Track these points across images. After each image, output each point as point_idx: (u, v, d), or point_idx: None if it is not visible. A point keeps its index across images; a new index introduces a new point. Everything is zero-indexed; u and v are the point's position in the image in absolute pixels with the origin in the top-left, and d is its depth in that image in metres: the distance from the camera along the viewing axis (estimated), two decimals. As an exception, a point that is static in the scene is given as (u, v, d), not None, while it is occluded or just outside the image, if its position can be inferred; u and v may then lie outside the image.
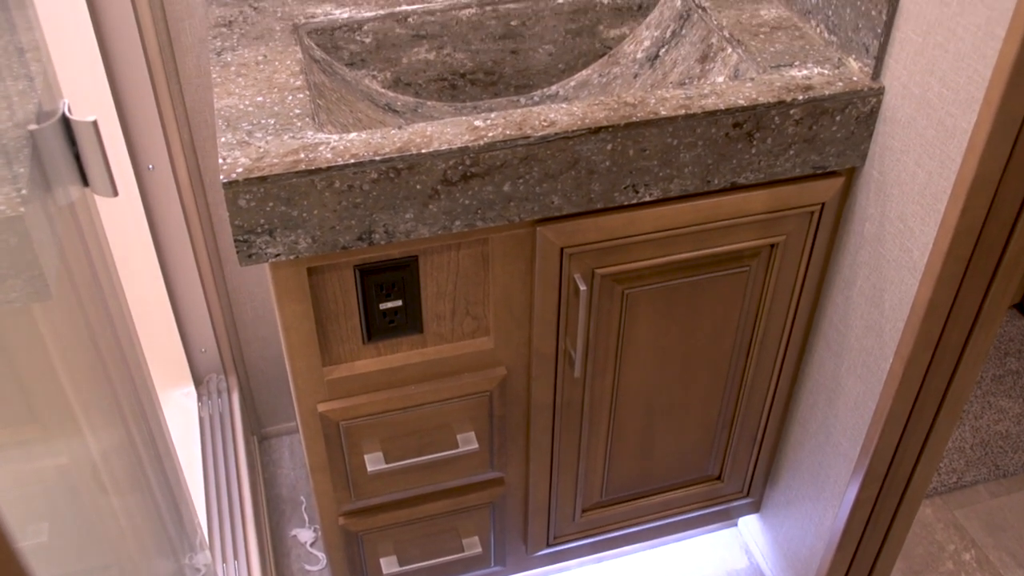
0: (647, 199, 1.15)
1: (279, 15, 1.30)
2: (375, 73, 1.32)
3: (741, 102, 1.11)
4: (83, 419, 0.91)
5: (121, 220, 1.52)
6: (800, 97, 1.13)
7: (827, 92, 1.14)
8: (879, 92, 1.16)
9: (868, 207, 1.23)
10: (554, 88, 1.39)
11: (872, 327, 1.26)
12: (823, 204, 1.24)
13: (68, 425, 0.89)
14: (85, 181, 0.85)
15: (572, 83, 1.39)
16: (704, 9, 1.31)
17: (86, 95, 1.37)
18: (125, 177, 1.48)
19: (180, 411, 1.73)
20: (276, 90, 1.14)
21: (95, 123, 0.80)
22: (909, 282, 1.18)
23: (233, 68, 1.19)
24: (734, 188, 1.20)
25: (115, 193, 0.83)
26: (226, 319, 1.71)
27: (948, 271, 1.11)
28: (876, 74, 1.16)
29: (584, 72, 1.39)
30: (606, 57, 1.39)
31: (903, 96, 1.13)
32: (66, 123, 0.81)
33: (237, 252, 1.05)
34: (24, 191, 0.77)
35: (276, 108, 1.11)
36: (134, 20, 1.36)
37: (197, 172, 1.53)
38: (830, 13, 1.22)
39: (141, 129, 1.45)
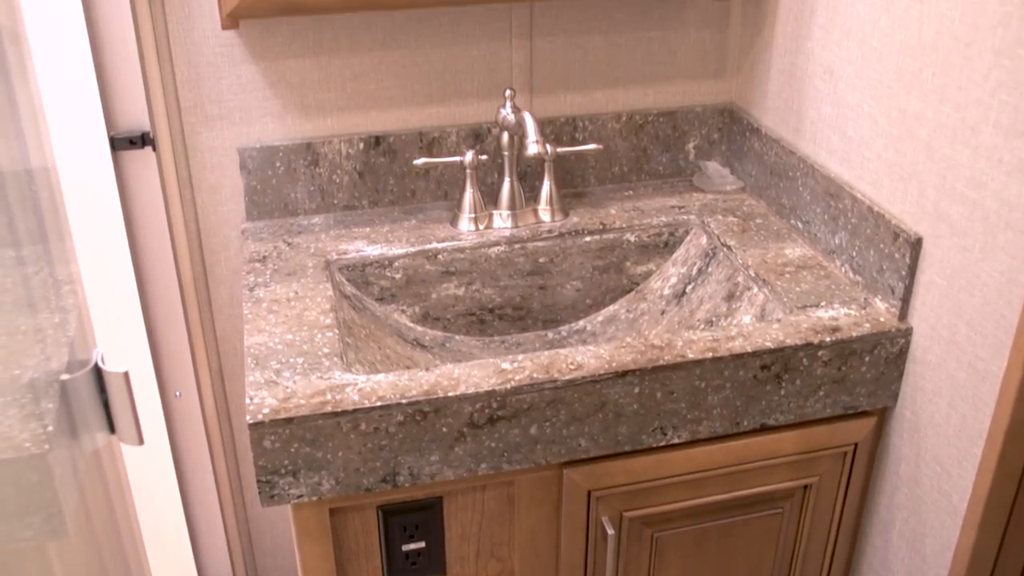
0: (676, 441, 1.13)
1: (312, 251, 1.33)
2: (404, 308, 1.34)
3: (768, 344, 1.11)
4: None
5: (144, 445, 1.51)
6: (828, 339, 1.13)
7: (855, 333, 1.14)
8: (907, 333, 1.15)
9: (903, 448, 1.20)
10: (582, 323, 1.40)
11: (914, 574, 1.21)
12: (856, 444, 1.22)
13: None
14: (112, 428, 0.85)
15: (600, 318, 1.40)
16: (729, 247, 1.33)
17: (119, 321, 1.39)
18: (151, 402, 1.48)
19: (192, 645, 1.67)
20: (306, 328, 1.15)
21: (126, 374, 0.80)
22: (950, 527, 1.14)
23: (265, 304, 1.20)
24: (764, 429, 1.18)
25: (141, 442, 0.83)
26: (244, 548, 1.67)
27: (990, 518, 1.07)
28: (903, 315, 1.16)
29: (612, 307, 1.41)
30: (633, 293, 1.41)
31: (931, 338, 1.12)
32: (97, 372, 0.82)
33: (259, 492, 1.03)
34: (50, 427, 0.77)
35: (305, 347, 1.11)
36: (171, 253, 1.39)
37: (224, 400, 1.54)
38: (854, 254, 1.23)
39: (171, 356, 1.47)
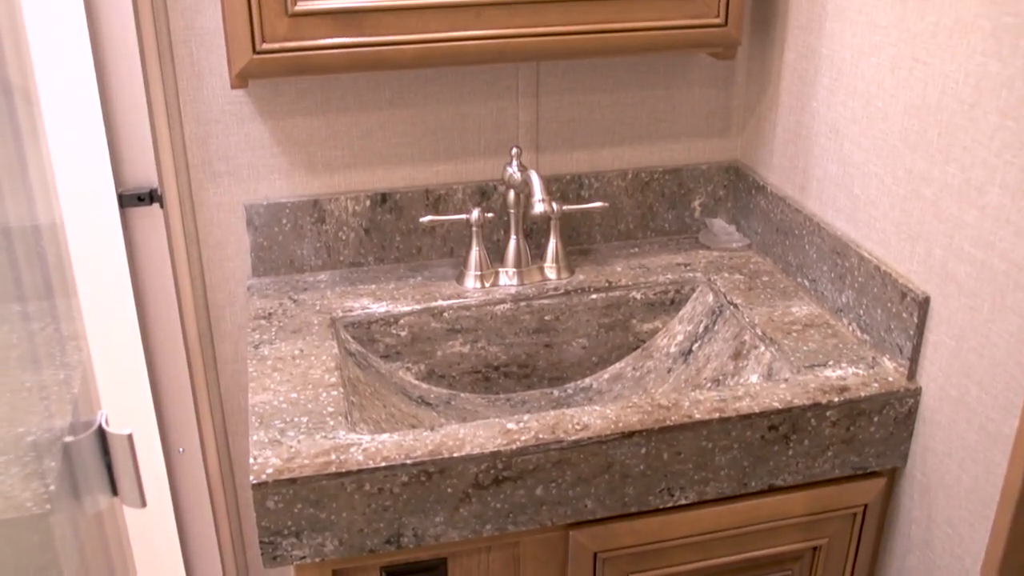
0: (683, 502, 1.12)
1: (318, 308, 1.33)
2: (409, 365, 1.34)
3: (776, 404, 1.10)
4: None
5: (149, 501, 1.50)
6: (836, 399, 1.12)
7: (863, 393, 1.13)
8: (916, 393, 1.15)
9: (913, 509, 1.19)
10: (588, 381, 1.40)
11: (925, 638, 1.19)
12: (866, 506, 1.20)
13: None
14: (114, 490, 0.84)
15: (606, 376, 1.40)
16: (736, 305, 1.33)
17: (124, 376, 1.39)
18: (154, 458, 1.47)
19: None
20: (311, 386, 1.15)
21: (130, 436, 0.80)
22: (962, 592, 1.12)
23: (270, 363, 1.20)
24: (772, 490, 1.17)
25: (143, 504, 0.82)
26: (246, 607, 1.65)
27: (1003, 583, 1.06)
28: (912, 374, 1.16)
29: (618, 365, 1.40)
30: (639, 350, 1.40)
31: (941, 398, 1.12)
32: (101, 433, 0.81)
33: (262, 553, 1.02)
34: (52, 487, 0.76)
35: (309, 405, 1.11)
36: (176, 308, 1.39)
37: (227, 457, 1.53)
38: (861, 312, 1.23)
39: (175, 411, 1.46)
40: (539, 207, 1.22)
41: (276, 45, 1.20)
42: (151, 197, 1.34)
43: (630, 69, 1.45)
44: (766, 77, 1.44)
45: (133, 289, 1.36)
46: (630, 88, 1.46)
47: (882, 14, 1.15)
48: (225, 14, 1.18)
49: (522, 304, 1.37)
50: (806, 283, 1.36)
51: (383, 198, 1.42)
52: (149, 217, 1.35)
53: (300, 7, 1.19)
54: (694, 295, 1.41)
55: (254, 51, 1.19)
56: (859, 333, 1.24)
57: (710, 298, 1.39)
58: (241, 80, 1.22)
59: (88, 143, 1.28)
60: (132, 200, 1.34)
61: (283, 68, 1.21)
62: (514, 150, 1.35)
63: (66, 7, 1.20)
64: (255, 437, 1.06)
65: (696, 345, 1.36)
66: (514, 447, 1.03)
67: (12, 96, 1.32)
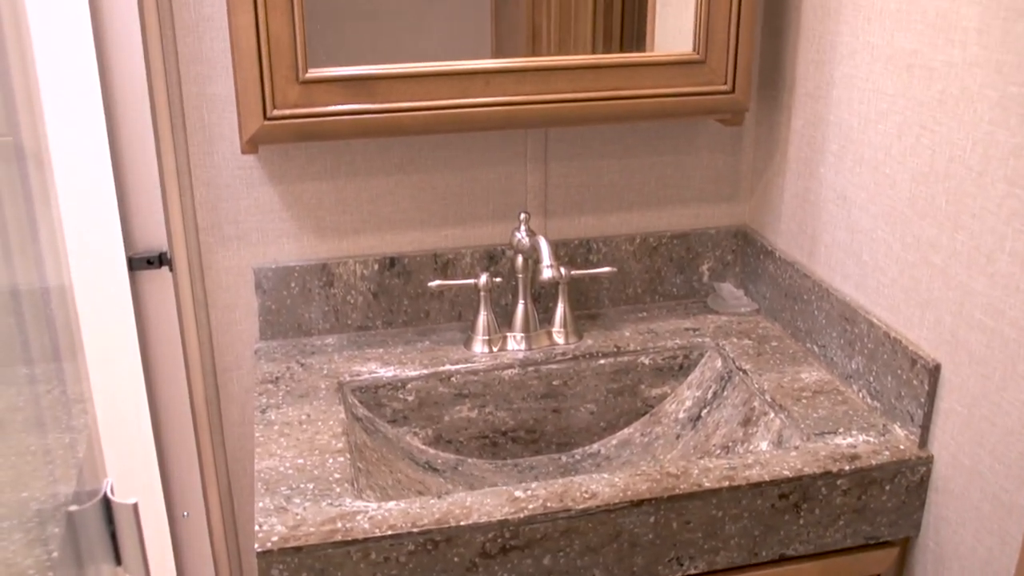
0: (692, 572, 1.10)
1: (325, 372, 1.33)
2: (416, 430, 1.33)
3: (786, 473, 1.09)
4: None
5: (152, 565, 1.48)
6: (847, 467, 1.11)
7: (874, 462, 1.12)
8: (928, 461, 1.13)
9: (926, 581, 1.17)
10: (596, 446, 1.39)
11: None
12: (878, 576, 1.19)
13: None
14: (118, 560, 0.83)
15: (614, 441, 1.38)
16: (745, 371, 1.32)
17: (129, 438, 1.38)
18: (158, 523, 1.46)
19: None
20: (317, 452, 1.14)
21: (135, 506, 0.79)
22: (978, 666, 1.10)
23: (276, 428, 1.19)
24: (783, 560, 1.15)
25: (147, 575, 0.81)
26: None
27: (1020, 657, 1.03)
28: (923, 442, 1.14)
29: (626, 430, 1.39)
30: (648, 416, 1.39)
31: (953, 466, 1.10)
32: (106, 502, 0.81)
33: (265, 624, 1.01)
34: (55, 554, 0.75)
35: (316, 472, 1.10)
36: (184, 371, 1.39)
37: (232, 522, 1.51)
38: (871, 379, 1.22)
39: (180, 475, 1.45)
40: (547, 273, 1.22)
41: (287, 111, 1.21)
42: (160, 260, 1.35)
43: (638, 134, 1.46)
44: (774, 143, 1.45)
45: (140, 352, 1.36)
46: (638, 153, 1.47)
47: (889, 82, 1.16)
48: (237, 81, 1.20)
49: (530, 369, 1.36)
50: (815, 349, 1.35)
51: (391, 262, 1.42)
52: (158, 280, 1.36)
53: (311, 74, 1.20)
54: (703, 360, 1.41)
55: (265, 117, 1.21)
56: (869, 400, 1.23)
57: (719, 363, 1.38)
58: (251, 146, 1.23)
59: (99, 206, 1.28)
60: (142, 263, 1.34)
61: (293, 134, 1.22)
62: (522, 215, 1.36)
63: (80, 71, 1.21)
64: (261, 504, 1.05)
65: (705, 411, 1.35)
66: (522, 516, 1.02)
67: (25, 160, 1.33)
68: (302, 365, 1.35)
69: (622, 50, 1.34)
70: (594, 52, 1.33)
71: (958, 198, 1.06)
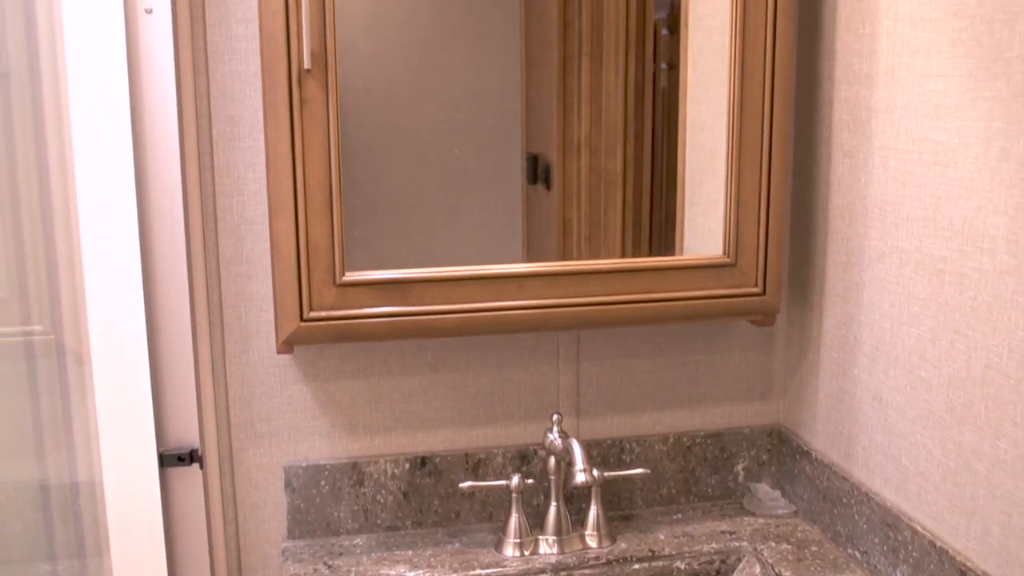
0: None
1: (352, 575, 1.30)
2: (445, 639, 1.28)
3: None
4: None
5: None
6: None
7: None
8: None
9: None
10: (631, 657, 1.33)
11: None
12: None
13: None
14: None
15: (649, 653, 1.33)
16: (784, 579, 1.28)
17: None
18: None
19: None
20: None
21: None
22: None
23: (301, 636, 1.16)
24: None
25: None
26: None
27: None
28: (977, 660, 1.09)
29: (662, 641, 1.34)
30: (684, 625, 1.34)
31: None
32: None
33: None
34: None
35: None
36: (209, 570, 1.36)
37: None
38: (918, 590, 1.17)
39: None
40: (580, 478, 1.20)
41: (323, 313, 1.23)
42: (191, 457, 1.34)
43: (670, 334, 1.47)
44: (806, 342, 1.45)
45: (166, 548, 1.34)
46: (670, 353, 1.47)
47: (920, 286, 1.17)
48: (275, 283, 1.22)
49: (562, 573, 1.32)
50: (857, 555, 1.31)
51: (423, 461, 1.41)
52: (188, 477, 1.35)
53: (348, 277, 1.23)
54: (740, 566, 1.36)
55: (301, 319, 1.22)
56: (917, 612, 1.18)
57: (757, 569, 1.34)
58: (287, 346, 1.25)
59: (134, 402, 1.29)
60: (172, 460, 1.34)
61: (329, 335, 1.24)
62: (555, 416, 1.35)
63: (125, 274, 1.24)
64: None
65: (745, 621, 1.30)
66: None
67: (65, 357, 1.36)
68: (329, 567, 1.32)
69: (651, 253, 1.37)
70: (624, 255, 1.36)
71: (997, 405, 1.04)
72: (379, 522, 1.42)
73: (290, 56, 1.17)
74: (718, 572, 1.36)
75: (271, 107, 1.18)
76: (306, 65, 1.17)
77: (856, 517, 1.31)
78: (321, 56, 1.18)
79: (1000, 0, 1.01)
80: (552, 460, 1.36)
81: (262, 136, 1.30)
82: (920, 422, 1.18)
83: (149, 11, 1.23)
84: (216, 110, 1.30)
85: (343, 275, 1.23)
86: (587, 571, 1.33)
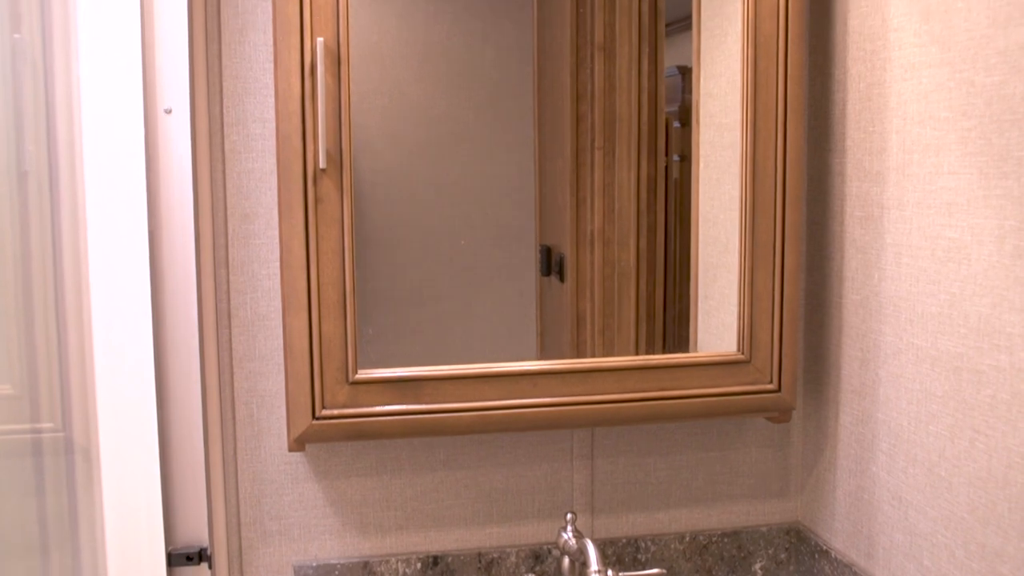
0: None
1: None
2: None
3: None
4: None
5: None
6: None
7: None
8: None
9: None
10: None
11: None
12: None
13: None
14: None
15: None
16: None
17: None
18: None
19: None
20: None
21: None
22: None
23: None
24: None
25: None
26: None
27: None
28: None
29: None
30: None
31: None
32: None
33: None
34: None
35: None
36: None
37: None
38: None
39: None
40: (595, 579, 1.18)
41: (335, 411, 1.22)
42: (200, 556, 1.32)
43: (685, 430, 1.45)
44: (823, 439, 1.43)
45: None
46: (685, 450, 1.46)
47: (937, 384, 1.16)
48: (288, 380, 1.22)
49: None
50: (881, 660, 1.27)
51: (434, 560, 1.38)
52: (196, 577, 1.33)
53: (361, 375, 1.22)
54: (761, 671, 1.32)
55: (314, 417, 1.22)
56: None
57: (778, 675, 1.30)
58: (299, 444, 1.24)
59: (143, 500, 1.28)
60: (181, 559, 1.32)
61: (341, 434, 1.23)
62: (569, 516, 1.33)
63: (137, 370, 1.24)
64: None
65: None
66: None
67: (73, 454, 1.35)
68: (338, 672, 1.29)
69: (665, 348, 1.36)
70: (638, 350, 1.35)
71: (1020, 506, 1.02)
72: (390, 624, 1.39)
73: (305, 156, 1.19)
74: (737, 677, 1.33)
75: (286, 206, 1.19)
76: (321, 165, 1.18)
77: (878, 620, 1.28)
78: (336, 156, 1.20)
79: (1008, 102, 1.02)
80: (566, 560, 1.34)
81: (276, 233, 1.31)
82: (941, 522, 1.16)
83: (168, 111, 1.25)
84: (232, 207, 1.31)
85: (356, 373, 1.22)
86: (603, 676, 1.30)
